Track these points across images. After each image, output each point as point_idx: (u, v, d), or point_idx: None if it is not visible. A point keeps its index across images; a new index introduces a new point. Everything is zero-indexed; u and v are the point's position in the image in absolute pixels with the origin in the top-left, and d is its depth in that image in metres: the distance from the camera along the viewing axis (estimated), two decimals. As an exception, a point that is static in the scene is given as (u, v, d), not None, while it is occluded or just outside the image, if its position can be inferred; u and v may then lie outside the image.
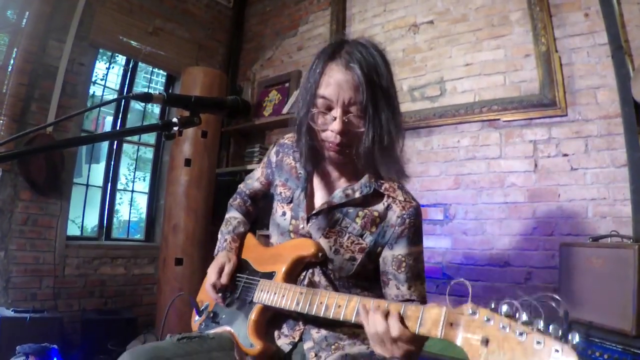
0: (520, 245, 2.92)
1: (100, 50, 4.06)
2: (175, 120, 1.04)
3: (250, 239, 1.59)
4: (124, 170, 4.63)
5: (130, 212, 4.60)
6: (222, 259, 1.46)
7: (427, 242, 3.22)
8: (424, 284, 1.34)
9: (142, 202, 4.74)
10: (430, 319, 0.92)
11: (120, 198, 4.52)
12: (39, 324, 2.91)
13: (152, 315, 3.79)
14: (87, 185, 4.12)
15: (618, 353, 1.91)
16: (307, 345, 1.30)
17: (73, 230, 3.91)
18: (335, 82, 1.21)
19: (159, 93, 1.02)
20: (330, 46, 1.29)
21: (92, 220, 4.25)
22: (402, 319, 0.97)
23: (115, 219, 4.40)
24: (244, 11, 5.12)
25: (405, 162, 1.34)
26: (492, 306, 0.83)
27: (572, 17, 2.89)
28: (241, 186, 1.72)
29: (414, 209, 1.31)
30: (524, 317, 0.78)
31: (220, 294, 1.43)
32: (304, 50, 4.38)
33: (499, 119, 3.09)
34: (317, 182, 1.42)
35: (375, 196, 1.32)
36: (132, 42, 4.06)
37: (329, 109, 1.23)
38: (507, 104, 3.04)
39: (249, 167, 4.21)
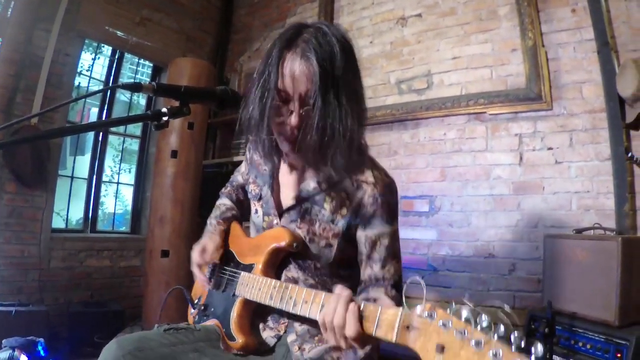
0: (505, 237, 2.96)
1: (86, 41, 4.00)
2: (164, 110, 1.04)
3: (236, 228, 1.57)
4: (109, 162, 4.59)
5: (115, 205, 4.56)
6: (204, 240, 1.47)
7: (413, 233, 3.26)
8: (400, 262, 1.29)
9: (127, 194, 4.70)
10: (386, 320, 0.88)
11: (106, 190, 4.47)
12: (25, 317, 2.89)
13: (139, 308, 3.77)
14: (72, 177, 4.07)
15: (601, 343, 1.95)
16: (290, 337, 1.30)
17: (58, 222, 3.87)
18: (291, 73, 1.15)
19: (149, 83, 1.02)
20: (287, 32, 1.22)
21: (77, 213, 4.20)
22: (360, 318, 0.93)
23: (100, 211, 4.36)
24: (233, 2, 5.07)
25: (363, 152, 1.30)
26: (453, 307, 0.78)
27: (559, 13, 2.92)
28: (232, 176, 1.73)
29: (387, 186, 1.27)
30: (485, 323, 0.72)
31: (207, 275, 1.43)
32: (292, 42, 4.33)
33: (485, 112, 3.11)
34: (283, 176, 1.39)
35: (344, 179, 1.27)
36: (118, 32, 4.00)
37: (286, 101, 1.18)
38: (494, 97, 3.07)
39: (236, 159, 4.21)
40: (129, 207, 4.58)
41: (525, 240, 2.88)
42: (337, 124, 1.15)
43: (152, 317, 3.44)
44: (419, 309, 0.82)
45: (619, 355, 1.87)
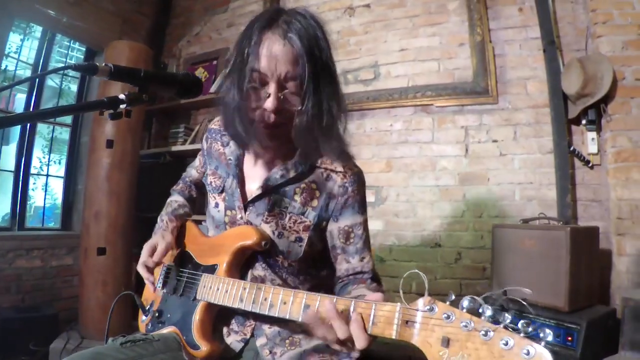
0: (451, 227, 3.05)
1: (15, 22, 3.64)
2: (122, 97, 0.92)
3: (191, 227, 1.47)
4: (38, 153, 4.23)
5: (45, 199, 4.23)
6: (155, 239, 1.36)
7: (360, 224, 3.28)
8: (372, 251, 1.29)
9: (56, 187, 4.37)
10: (383, 317, 0.84)
11: (34, 183, 4.13)
12: (-49, 326, 2.64)
13: (74, 310, 3.53)
14: (-3, 170, 3.73)
15: (551, 327, 2.05)
16: (259, 341, 1.24)
17: (-18, 220, 3.53)
18: (271, 54, 1.08)
19: (105, 65, 0.89)
20: (266, 13, 1.17)
21: (3, 209, 3.86)
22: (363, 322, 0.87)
23: (27, 206, 4.03)
24: (172, -16, 4.79)
25: (348, 143, 1.25)
26: (452, 298, 0.77)
27: (507, 11, 3.03)
28: (185, 173, 1.63)
29: (356, 175, 1.25)
30: (489, 312, 0.71)
31: (152, 275, 1.31)
32: (235, 28, 4.17)
33: (432, 105, 3.17)
34: (248, 167, 1.31)
35: (313, 169, 1.25)
36: (50, 11, 3.66)
37: (263, 84, 1.11)
38: (441, 90, 3.13)
39: (174, 148, 4.05)
40: (58, 201, 4.26)
41: (470, 230, 2.99)
42: (330, 109, 1.14)
43: (89, 319, 3.25)
44: (420, 302, 0.80)
45: (569, 338, 1.98)
